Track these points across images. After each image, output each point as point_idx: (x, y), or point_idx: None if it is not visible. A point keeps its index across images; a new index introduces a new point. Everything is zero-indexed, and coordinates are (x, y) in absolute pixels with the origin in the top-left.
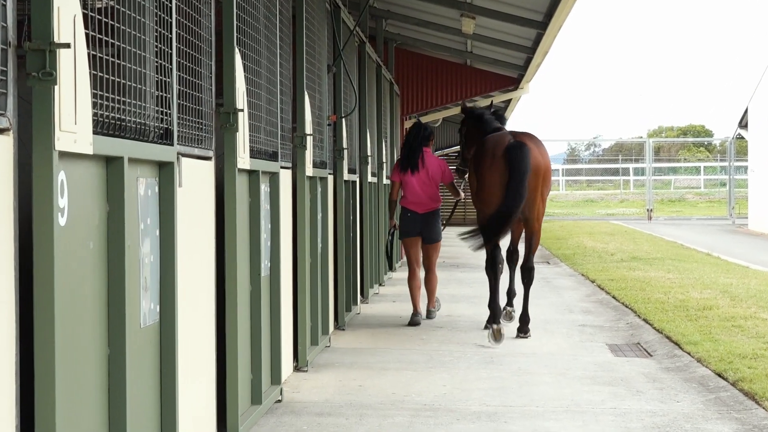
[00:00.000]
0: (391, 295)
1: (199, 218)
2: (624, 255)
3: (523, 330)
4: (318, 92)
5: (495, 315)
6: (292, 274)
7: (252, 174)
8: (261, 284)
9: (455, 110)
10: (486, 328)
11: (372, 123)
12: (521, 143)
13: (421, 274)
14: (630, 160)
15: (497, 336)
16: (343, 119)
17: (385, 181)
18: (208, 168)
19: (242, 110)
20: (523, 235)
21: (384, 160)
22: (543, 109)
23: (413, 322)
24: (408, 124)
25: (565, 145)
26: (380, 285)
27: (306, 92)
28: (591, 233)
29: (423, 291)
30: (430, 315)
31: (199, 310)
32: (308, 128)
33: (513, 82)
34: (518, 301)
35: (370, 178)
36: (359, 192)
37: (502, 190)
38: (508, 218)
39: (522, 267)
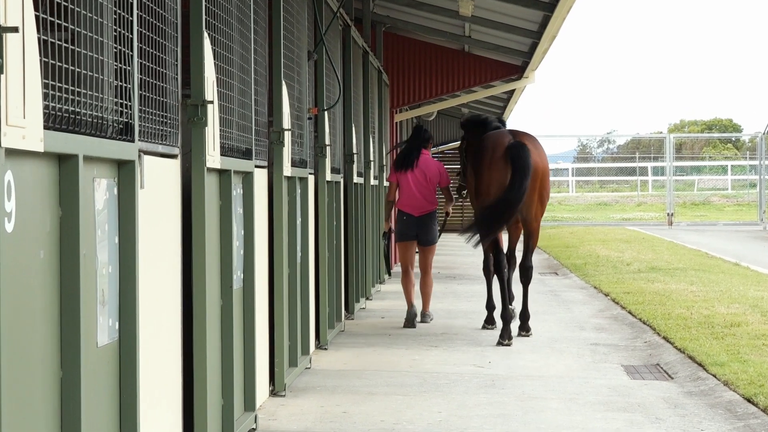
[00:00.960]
0: (379, 311)
1: (163, 224)
2: (641, 265)
3: (524, 328)
4: (297, 82)
5: (491, 318)
6: (268, 286)
7: (223, 174)
8: (233, 298)
9: (452, 102)
10: (483, 327)
11: (358, 116)
12: (521, 143)
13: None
14: (648, 159)
15: (491, 322)
16: (326, 112)
17: (373, 181)
18: (173, 167)
19: (212, 102)
20: (522, 236)
21: (371, 158)
22: (551, 101)
23: (409, 318)
24: (399, 118)
25: (575, 141)
26: (368, 299)
27: (284, 82)
28: (604, 240)
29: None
30: (424, 319)
31: (164, 327)
32: (286, 122)
33: (516, 70)
34: (517, 302)
35: (356, 179)
36: (344, 194)
37: (501, 189)
38: (507, 210)
39: (521, 266)
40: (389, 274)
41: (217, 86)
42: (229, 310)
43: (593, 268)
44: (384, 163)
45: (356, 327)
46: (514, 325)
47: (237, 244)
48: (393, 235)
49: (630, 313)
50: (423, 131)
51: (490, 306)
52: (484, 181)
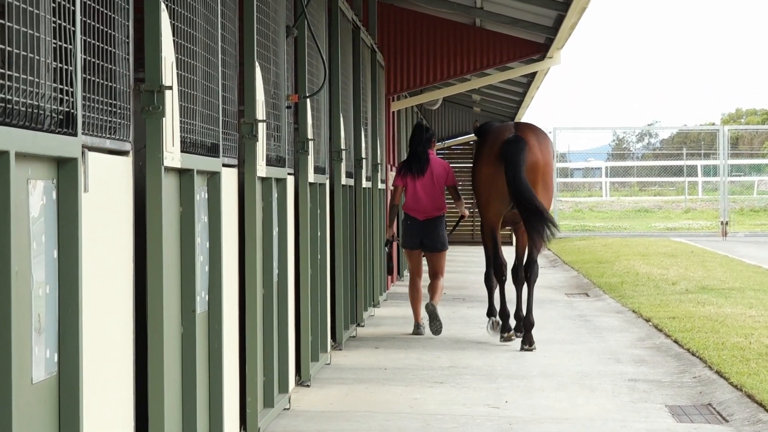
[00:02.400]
0: (373, 339)
1: (112, 235)
2: (690, 284)
3: (527, 340)
4: (274, 64)
5: (494, 317)
6: (239, 310)
7: (184, 174)
8: (196, 324)
9: (460, 87)
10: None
11: (347, 105)
12: (519, 137)
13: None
14: (698, 156)
15: (495, 326)
16: (308, 100)
17: (365, 183)
18: (124, 166)
19: (170, 88)
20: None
21: (363, 156)
22: (580, 87)
23: (417, 333)
24: (397, 107)
25: (609, 135)
26: (359, 325)
27: (257, 64)
28: (645, 255)
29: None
30: (428, 307)
31: (113, 360)
32: (260, 112)
33: (539, 49)
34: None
35: (344, 180)
36: (330, 199)
37: (493, 186)
38: (535, 210)
39: (526, 262)
40: (390, 274)
41: (177, 68)
42: (192, 339)
43: (631, 288)
44: (378, 162)
45: (345, 359)
46: (512, 322)
47: (201, 259)
48: (395, 244)
49: (676, 342)
50: (424, 129)
51: (491, 312)
52: (480, 176)
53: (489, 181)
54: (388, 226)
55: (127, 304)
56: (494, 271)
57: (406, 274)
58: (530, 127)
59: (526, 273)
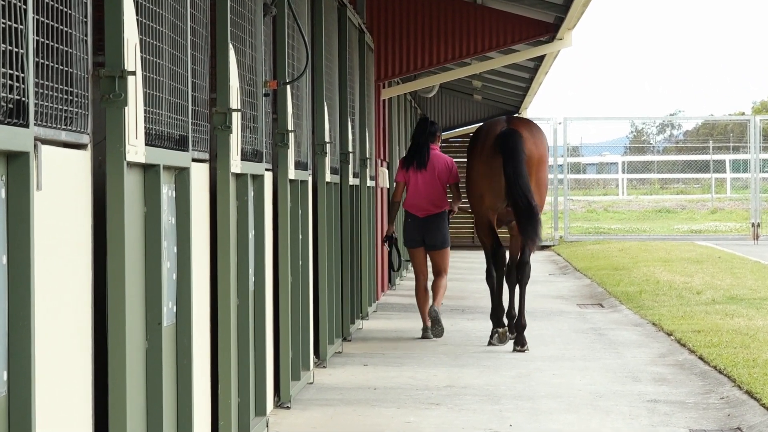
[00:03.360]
0: (361, 355)
1: (68, 238)
2: (717, 294)
3: (519, 342)
4: (250, 46)
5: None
6: (210, 323)
7: (149, 170)
8: (162, 338)
9: (459, 72)
10: (493, 333)
11: (333, 92)
12: (513, 130)
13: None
14: (726, 149)
15: (502, 338)
16: (288, 87)
17: (353, 180)
18: (81, 161)
19: (134, 73)
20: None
21: (350, 149)
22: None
23: (425, 336)
24: (387, 94)
25: (626, 125)
26: (345, 339)
27: (231, 46)
28: (667, 260)
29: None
30: (431, 311)
31: (69, 378)
32: (235, 101)
33: (547, 29)
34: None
35: (329, 176)
36: (313, 198)
37: (488, 182)
38: (529, 209)
39: (518, 262)
40: (395, 270)
41: (142, 51)
42: (158, 355)
43: (651, 298)
44: (367, 156)
45: (330, 378)
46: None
47: (168, 265)
48: (392, 239)
49: (701, 358)
50: (429, 123)
51: (497, 321)
52: (473, 171)
53: (483, 176)
54: (389, 222)
55: (85, 316)
56: (495, 264)
57: (399, 282)
58: (522, 120)
59: (518, 274)
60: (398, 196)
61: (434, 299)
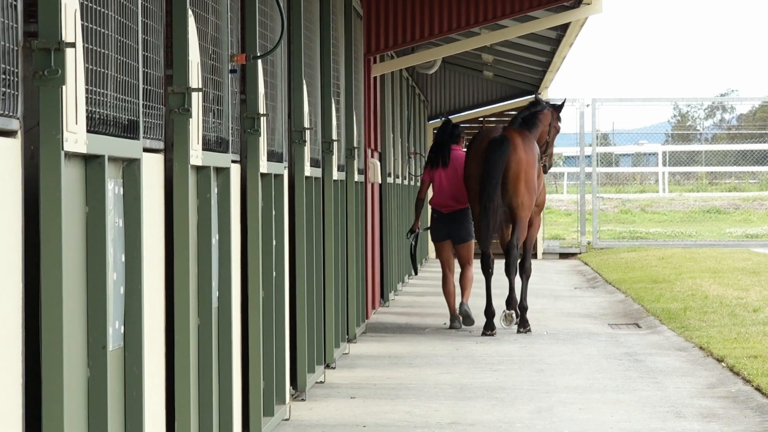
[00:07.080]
0: (347, 386)
1: None
2: None
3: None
4: (213, 13)
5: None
6: (165, 346)
7: (91, 162)
8: (107, 363)
9: (465, 45)
10: (483, 334)
11: (313, 69)
12: (504, 137)
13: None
14: None
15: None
16: (259, 62)
17: (337, 174)
18: (10, 150)
19: (73, 45)
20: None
21: (334, 137)
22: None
23: (453, 327)
24: (379, 71)
25: (668, 108)
26: (329, 367)
27: (190, 12)
28: (716, 271)
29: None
30: (461, 308)
31: None
32: (195, 79)
33: None
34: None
35: (308, 170)
36: (290, 195)
37: (477, 184)
38: (485, 212)
39: (506, 250)
40: (415, 273)
41: (82, 19)
42: (102, 383)
43: (698, 317)
44: (355, 146)
45: (309, 413)
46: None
47: (114, 277)
48: (418, 234)
49: (758, 389)
50: (453, 126)
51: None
52: (464, 174)
53: (475, 180)
54: (415, 219)
55: (15, 336)
56: (483, 265)
57: (393, 298)
58: (519, 132)
59: (507, 258)
60: (423, 193)
61: (463, 294)
